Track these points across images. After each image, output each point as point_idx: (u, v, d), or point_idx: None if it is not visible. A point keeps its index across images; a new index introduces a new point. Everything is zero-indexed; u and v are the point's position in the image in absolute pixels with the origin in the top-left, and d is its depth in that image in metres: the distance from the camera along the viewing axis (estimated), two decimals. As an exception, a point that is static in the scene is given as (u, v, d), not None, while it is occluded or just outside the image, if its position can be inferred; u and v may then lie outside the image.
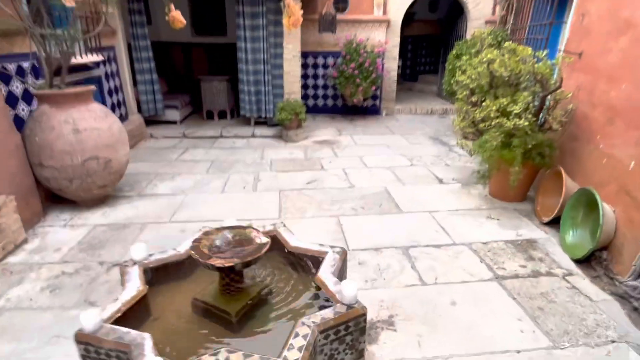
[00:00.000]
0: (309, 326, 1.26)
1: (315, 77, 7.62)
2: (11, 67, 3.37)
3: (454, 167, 4.78)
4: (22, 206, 3.08)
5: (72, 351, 1.47)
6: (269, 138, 6.15)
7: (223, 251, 1.41)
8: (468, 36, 7.27)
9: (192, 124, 6.74)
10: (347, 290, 1.35)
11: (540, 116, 3.49)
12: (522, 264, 2.75)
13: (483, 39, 4.97)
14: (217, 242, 1.46)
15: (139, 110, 6.19)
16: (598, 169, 3.06)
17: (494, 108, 3.34)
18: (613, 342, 2.06)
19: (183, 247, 1.67)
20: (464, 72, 4.00)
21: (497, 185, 3.83)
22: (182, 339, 1.38)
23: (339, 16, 7.12)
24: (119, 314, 1.32)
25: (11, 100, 3.35)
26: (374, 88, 6.93)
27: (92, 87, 3.50)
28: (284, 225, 1.89)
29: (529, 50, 3.37)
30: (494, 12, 7.33)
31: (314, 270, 1.62)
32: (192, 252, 1.38)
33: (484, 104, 3.51)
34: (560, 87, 3.20)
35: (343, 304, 1.36)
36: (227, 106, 6.99)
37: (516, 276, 2.61)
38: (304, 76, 7.57)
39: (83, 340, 1.26)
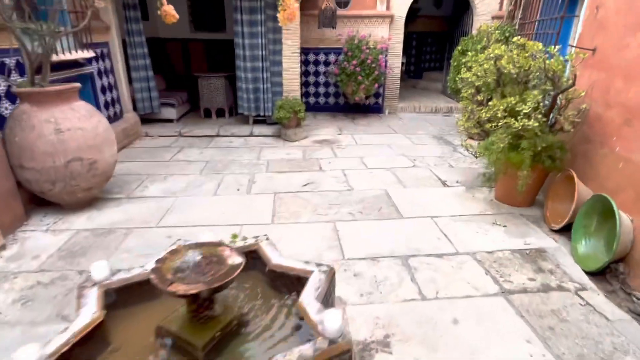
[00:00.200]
0: (283, 365, 1.08)
1: (317, 74, 7.42)
2: (-8, 63, 3.22)
3: (458, 169, 4.57)
4: (1, 210, 2.93)
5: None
6: (267, 137, 5.96)
7: (189, 274, 1.23)
8: (474, 32, 7.03)
9: (189, 122, 6.57)
10: (330, 322, 1.16)
11: (551, 116, 3.27)
12: (531, 277, 2.55)
13: (490, 34, 4.74)
14: (183, 263, 1.28)
15: (135, 108, 6.02)
16: (613, 174, 2.84)
17: (501, 107, 3.13)
18: (632, 368, 1.86)
19: (151, 265, 1.49)
20: (469, 69, 3.79)
21: (503, 189, 3.62)
22: (143, 374, 1.21)
23: (341, 12, 6.91)
24: (67, 347, 1.15)
25: (-8, 98, 3.20)
26: (376, 86, 6.72)
27: (77, 85, 3.33)
28: (267, 239, 1.71)
29: (540, 45, 3.15)
30: (501, 7, 7.09)
31: (295, 295, 1.44)
32: (152, 277, 1.20)
33: (490, 103, 3.30)
34: (574, 85, 2.98)
35: (325, 337, 1.17)
36: (226, 104, 6.81)
37: (524, 290, 2.41)
38: (305, 73, 7.38)
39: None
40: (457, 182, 4.16)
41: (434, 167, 4.62)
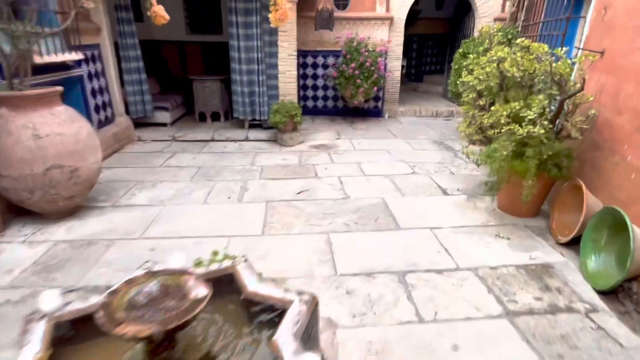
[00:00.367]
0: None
1: (315, 77, 7.26)
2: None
3: (459, 176, 4.39)
4: (-26, 221, 2.77)
5: None
6: (263, 142, 5.80)
7: (143, 311, 1.06)
8: (476, 34, 6.87)
9: (183, 126, 6.41)
10: (305, 370, 0.99)
11: (557, 122, 3.09)
12: (537, 296, 2.37)
13: (492, 36, 4.58)
14: (139, 296, 1.11)
15: (127, 112, 5.87)
16: (625, 185, 2.66)
17: (504, 113, 2.95)
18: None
19: (116, 285, 1.32)
20: (470, 72, 3.62)
21: (506, 198, 3.44)
22: None
23: (340, 14, 6.76)
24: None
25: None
26: (375, 89, 6.55)
27: (58, 89, 3.17)
28: (246, 261, 1.53)
29: (546, 47, 2.98)
30: (503, 9, 6.93)
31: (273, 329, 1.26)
32: (98, 315, 1.03)
33: (492, 108, 3.13)
34: (582, 89, 2.80)
35: (300, 387, 1.00)
36: (221, 108, 6.66)
37: (530, 312, 2.23)
38: (303, 76, 7.22)
39: None
40: (457, 190, 3.98)
41: (434, 174, 4.44)
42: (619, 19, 2.98)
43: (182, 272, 1.23)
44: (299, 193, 3.90)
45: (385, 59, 6.83)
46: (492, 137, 3.19)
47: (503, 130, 2.95)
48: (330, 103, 7.46)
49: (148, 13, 4.22)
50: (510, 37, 5.16)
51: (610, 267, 2.51)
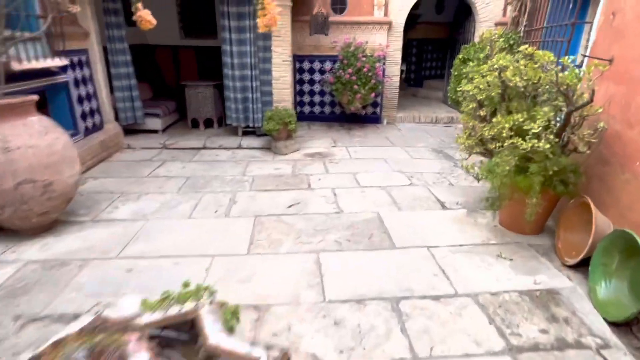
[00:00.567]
0: None
1: (312, 82, 7.08)
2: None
3: (458, 187, 4.19)
4: (-63, 240, 2.58)
5: None
6: (256, 150, 5.61)
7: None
8: (476, 39, 6.69)
9: (175, 133, 6.23)
10: None
11: (563, 135, 2.90)
12: (543, 328, 2.16)
13: (493, 42, 4.39)
14: (65, 366, 0.92)
15: (117, 118, 5.70)
16: (637, 205, 2.46)
17: (506, 126, 2.76)
18: None
19: (41, 348, 1.13)
20: (470, 80, 3.43)
21: (509, 214, 3.24)
22: None
23: (337, 18, 6.59)
24: None
25: None
26: (373, 95, 6.36)
27: (33, 98, 2.99)
28: (211, 303, 1.34)
29: (551, 55, 2.79)
30: (504, 13, 6.75)
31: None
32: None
33: (494, 119, 2.93)
34: (591, 101, 2.61)
35: None
36: (214, 114, 6.48)
37: (536, 347, 2.02)
38: (300, 82, 7.05)
39: None
40: (457, 203, 3.78)
41: (432, 186, 4.24)
42: (629, 25, 2.79)
43: (126, 328, 1.03)
44: (289, 207, 3.70)
45: (384, 64, 6.65)
46: (493, 151, 2.99)
47: (505, 144, 2.76)
48: (327, 109, 7.28)
49: (133, 18, 4.06)
50: (512, 42, 4.97)
51: (623, 294, 2.30)
